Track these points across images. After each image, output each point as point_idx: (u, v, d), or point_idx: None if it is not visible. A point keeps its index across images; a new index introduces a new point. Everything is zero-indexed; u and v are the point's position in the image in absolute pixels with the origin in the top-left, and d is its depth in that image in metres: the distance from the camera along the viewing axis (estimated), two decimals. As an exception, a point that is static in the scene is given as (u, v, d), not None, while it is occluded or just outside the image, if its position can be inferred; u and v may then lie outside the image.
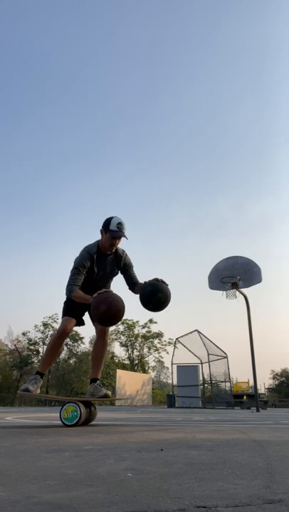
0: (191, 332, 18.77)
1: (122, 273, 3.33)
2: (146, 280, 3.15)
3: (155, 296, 3.02)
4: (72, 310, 3.20)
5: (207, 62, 72.54)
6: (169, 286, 3.13)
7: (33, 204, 64.98)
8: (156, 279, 3.11)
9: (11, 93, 63.88)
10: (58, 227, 68.27)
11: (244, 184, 75.32)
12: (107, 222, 3.13)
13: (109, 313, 2.73)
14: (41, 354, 41.60)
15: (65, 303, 3.29)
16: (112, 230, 3.08)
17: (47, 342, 41.42)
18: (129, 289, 3.32)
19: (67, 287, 3.06)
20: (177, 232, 72.34)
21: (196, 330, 18.48)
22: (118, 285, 3.45)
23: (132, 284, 3.30)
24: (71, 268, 3.15)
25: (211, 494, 0.87)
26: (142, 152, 71.42)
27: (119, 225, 3.11)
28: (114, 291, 2.92)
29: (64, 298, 3.36)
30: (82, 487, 0.94)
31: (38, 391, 3.14)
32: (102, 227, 3.16)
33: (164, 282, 3.12)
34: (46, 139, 64.06)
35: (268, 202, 75.21)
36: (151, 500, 0.82)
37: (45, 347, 41.56)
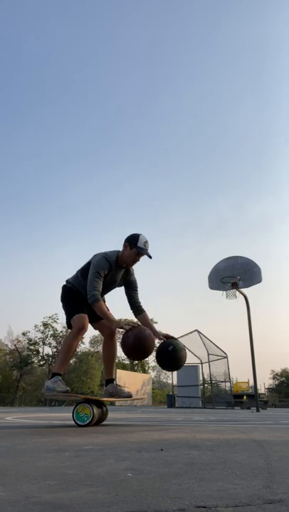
0: (191, 332, 18.74)
1: (125, 288, 3.34)
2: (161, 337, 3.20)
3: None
4: (82, 307, 3.12)
5: (207, 62, 72.63)
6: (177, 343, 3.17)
7: (34, 204, 65.04)
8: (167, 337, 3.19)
9: (11, 93, 63.91)
10: (58, 227, 68.31)
11: (244, 184, 75.43)
12: (135, 238, 3.16)
13: (141, 345, 2.86)
14: (41, 354, 41.59)
15: (69, 301, 3.19)
16: (140, 247, 3.13)
17: (47, 342, 41.39)
18: (132, 311, 3.33)
19: (89, 292, 2.99)
20: (177, 231, 72.36)
21: (196, 330, 18.47)
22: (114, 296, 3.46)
23: (136, 308, 3.32)
24: (92, 268, 3.08)
25: (211, 494, 0.87)
26: (142, 152, 71.47)
27: (146, 243, 3.17)
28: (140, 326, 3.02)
29: (60, 296, 3.30)
30: (82, 487, 0.93)
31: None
32: (128, 241, 3.19)
33: (172, 338, 3.20)
34: (46, 140, 64.12)
35: (268, 202, 75.28)
36: (151, 500, 0.82)
37: (45, 347, 41.54)
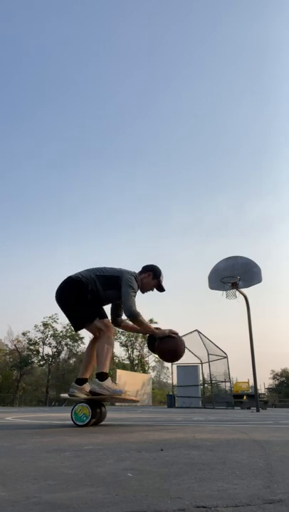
0: (191, 332, 18.75)
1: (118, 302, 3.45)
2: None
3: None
4: (103, 311, 3.21)
5: (207, 62, 72.67)
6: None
7: (33, 204, 64.99)
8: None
9: (11, 93, 63.92)
10: (58, 227, 68.28)
11: (244, 184, 75.43)
12: (158, 271, 3.46)
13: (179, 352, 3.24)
14: (41, 354, 41.61)
15: (92, 301, 3.13)
16: (161, 282, 3.46)
17: (47, 342, 41.35)
18: (118, 318, 3.45)
19: (130, 307, 3.09)
20: (177, 232, 72.40)
21: (196, 330, 18.48)
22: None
23: (121, 317, 3.47)
24: (127, 286, 3.16)
25: (211, 494, 0.87)
26: (142, 152, 71.49)
27: (163, 278, 3.51)
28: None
29: (70, 289, 3.13)
30: (82, 487, 0.94)
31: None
32: (152, 271, 3.42)
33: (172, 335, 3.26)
34: (46, 140, 64.09)
35: (268, 202, 75.30)
36: (151, 500, 0.82)
37: (45, 347, 41.54)
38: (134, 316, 3.10)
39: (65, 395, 3.27)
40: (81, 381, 3.15)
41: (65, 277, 3.24)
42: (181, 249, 72.00)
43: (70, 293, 3.15)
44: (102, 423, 3.20)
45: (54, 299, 3.24)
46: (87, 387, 3.15)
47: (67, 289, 3.16)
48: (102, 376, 2.97)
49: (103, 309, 3.23)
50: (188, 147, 73.71)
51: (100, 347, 3.08)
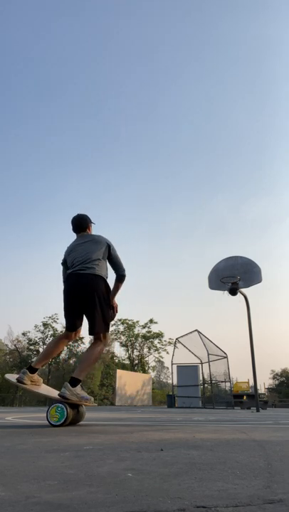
0: (191, 332, 18.77)
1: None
2: None
3: None
4: None
5: (207, 63, 72.70)
6: None
7: (33, 202, 65.05)
8: None
9: (11, 93, 63.92)
10: (58, 226, 68.26)
11: (243, 184, 75.50)
12: None
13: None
14: (41, 354, 41.61)
15: (108, 308, 3.15)
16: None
17: (47, 342, 41.29)
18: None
19: (123, 269, 3.31)
20: (177, 232, 72.41)
21: (196, 330, 18.49)
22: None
23: None
24: (115, 250, 3.33)
25: (211, 494, 0.87)
26: (141, 152, 71.54)
27: None
28: None
29: (97, 288, 3.07)
30: (82, 487, 0.93)
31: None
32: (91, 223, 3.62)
33: None
34: (48, 138, 64.15)
35: (268, 202, 75.35)
36: (151, 500, 0.82)
37: (45, 347, 41.57)
38: (125, 277, 3.32)
39: (12, 379, 3.20)
40: (34, 370, 3.14)
41: (83, 268, 3.11)
42: (181, 249, 72.02)
43: (103, 292, 3.12)
44: (103, 423, 3.20)
45: (71, 286, 3.10)
46: (35, 377, 3.13)
47: (101, 287, 3.11)
48: (75, 382, 2.89)
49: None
50: (188, 147, 73.78)
51: (91, 355, 3.01)
